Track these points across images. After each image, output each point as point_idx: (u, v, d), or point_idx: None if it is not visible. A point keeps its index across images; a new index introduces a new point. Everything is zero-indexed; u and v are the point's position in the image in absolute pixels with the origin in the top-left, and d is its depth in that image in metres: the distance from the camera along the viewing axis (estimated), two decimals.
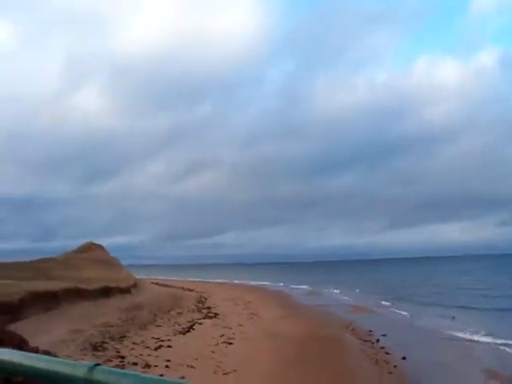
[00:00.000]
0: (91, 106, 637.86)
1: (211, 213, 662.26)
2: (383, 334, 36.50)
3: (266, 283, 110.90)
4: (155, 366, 24.95)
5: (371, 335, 36.66)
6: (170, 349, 29.67)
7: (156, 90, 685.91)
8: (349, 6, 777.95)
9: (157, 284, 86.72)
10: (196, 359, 26.45)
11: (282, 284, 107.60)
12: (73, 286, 45.40)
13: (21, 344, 15.08)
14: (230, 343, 31.85)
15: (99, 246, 79.28)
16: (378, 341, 34.24)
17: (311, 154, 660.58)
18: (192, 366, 24.94)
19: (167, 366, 24.90)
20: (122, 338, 33.12)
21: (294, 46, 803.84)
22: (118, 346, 30.33)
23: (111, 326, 36.82)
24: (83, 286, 46.90)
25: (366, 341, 34.47)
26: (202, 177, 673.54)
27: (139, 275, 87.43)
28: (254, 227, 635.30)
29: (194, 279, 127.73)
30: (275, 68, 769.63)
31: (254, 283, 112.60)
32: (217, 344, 31.41)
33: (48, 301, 40.11)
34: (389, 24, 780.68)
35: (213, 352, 28.69)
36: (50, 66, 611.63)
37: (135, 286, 61.85)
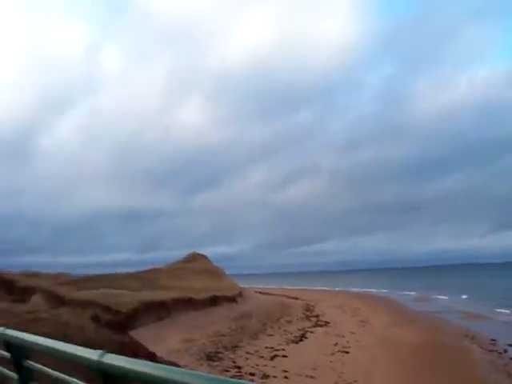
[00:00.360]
0: (193, 119, 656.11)
1: (311, 220, 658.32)
2: (510, 343, 33.64)
3: (370, 290, 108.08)
4: (274, 376, 24.23)
5: (495, 344, 33.94)
6: (285, 358, 28.92)
7: (256, 100, 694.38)
8: (448, 3, 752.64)
9: (260, 293, 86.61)
10: (314, 369, 25.47)
11: (386, 290, 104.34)
12: (182, 295, 45.83)
13: (150, 355, 14.86)
14: (346, 352, 30.63)
15: (203, 256, 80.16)
16: (505, 351, 31.56)
17: (412, 157, 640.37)
18: (311, 377, 23.99)
19: (286, 377, 24.11)
20: (235, 347, 32.75)
21: (392, 48, 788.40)
22: (232, 356, 29.94)
23: (223, 336, 36.62)
24: (192, 296, 47.24)
25: (490, 350, 31.87)
26: (302, 184, 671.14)
27: (241, 284, 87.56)
28: (354, 234, 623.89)
29: (297, 287, 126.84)
30: (374, 71, 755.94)
31: (356, 290, 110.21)
32: (333, 353, 30.30)
33: (159, 310, 40.67)
34: (489, 18, 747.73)
35: (330, 362, 27.60)
36: (153, 84, 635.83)
37: (240, 294, 61.82)
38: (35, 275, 55.46)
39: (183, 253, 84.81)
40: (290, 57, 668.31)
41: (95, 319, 15.26)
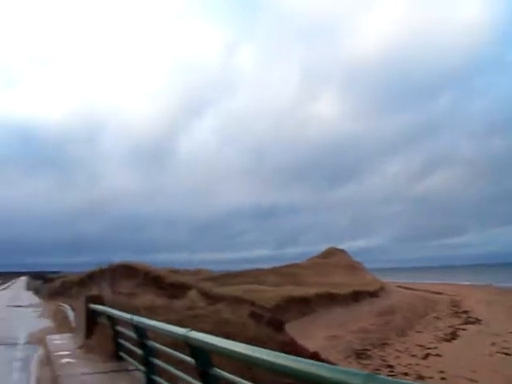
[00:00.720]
0: (327, 112, 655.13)
1: (451, 211, 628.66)
2: None
3: None
4: (430, 377, 22.88)
5: None
6: (439, 358, 27.34)
7: (391, 89, 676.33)
8: None
9: (400, 287, 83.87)
10: (474, 372, 23.65)
11: None
12: (324, 291, 45.26)
13: (314, 356, 14.33)
14: (507, 354, 28.24)
15: (341, 251, 79.11)
16: None
17: None
18: (473, 380, 22.27)
19: (443, 378, 22.67)
20: (383, 344, 31.66)
21: None
22: (381, 354, 28.93)
23: (368, 332, 35.55)
24: (334, 291, 46.51)
25: None
26: (441, 174, 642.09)
27: (380, 278, 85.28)
28: (496, 225, 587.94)
29: (438, 281, 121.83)
30: None
31: (502, 285, 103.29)
32: (491, 354, 28.06)
33: (302, 306, 40.37)
34: None
35: (491, 364, 25.57)
36: (287, 81, 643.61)
37: (382, 289, 60.12)
38: (176, 271, 57.37)
39: (321, 248, 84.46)
40: (424, 43, 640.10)
41: (254, 316, 14.96)
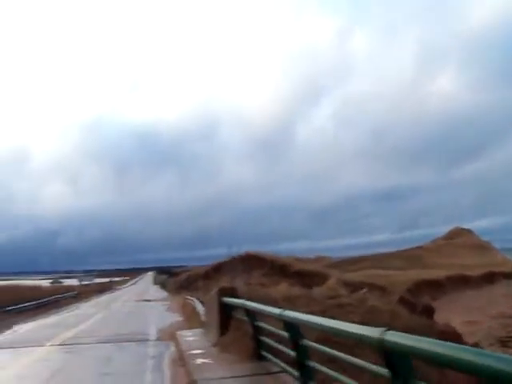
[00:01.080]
0: (448, 87, 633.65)
1: None
2: None
3: None
4: None
5: None
6: None
7: None
8: None
9: None
10: None
11: None
12: (456, 273, 42.76)
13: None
14: None
15: (468, 231, 74.93)
16: None
17: None
18: None
19: None
20: None
21: None
22: None
23: (510, 317, 32.90)
24: (467, 273, 43.87)
25: None
26: None
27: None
28: None
29: None
30: None
31: None
32: None
33: (433, 290, 38.28)
34: None
35: None
36: (404, 61, 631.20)
37: None
38: (298, 260, 56.72)
39: (445, 229, 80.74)
40: None
41: (405, 303, 13.70)
